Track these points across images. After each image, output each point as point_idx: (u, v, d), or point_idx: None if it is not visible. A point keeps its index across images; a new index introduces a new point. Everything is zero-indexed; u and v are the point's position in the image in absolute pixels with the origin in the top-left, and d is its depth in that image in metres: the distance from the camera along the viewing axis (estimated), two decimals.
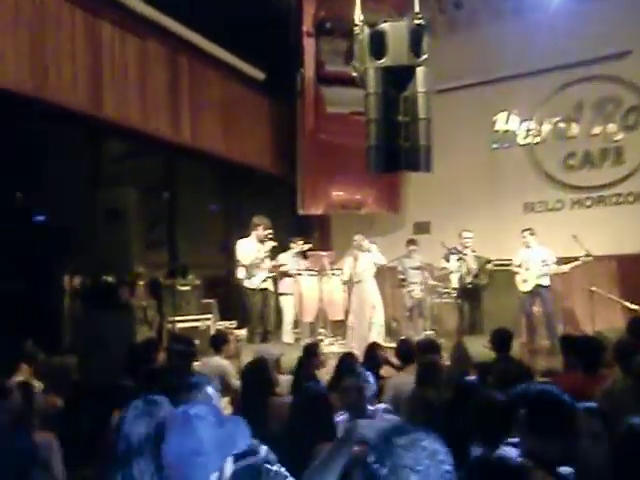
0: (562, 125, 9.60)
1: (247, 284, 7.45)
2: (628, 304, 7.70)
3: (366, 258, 8.31)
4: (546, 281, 7.96)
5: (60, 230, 7.70)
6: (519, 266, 8.13)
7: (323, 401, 2.95)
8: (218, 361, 5.40)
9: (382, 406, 3.60)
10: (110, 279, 6.56)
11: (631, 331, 5.07)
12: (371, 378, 3.36)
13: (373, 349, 5.32)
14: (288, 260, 8.46)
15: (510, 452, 2.37)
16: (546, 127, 9.71)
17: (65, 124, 7.44)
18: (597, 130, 9.34)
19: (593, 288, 8.01)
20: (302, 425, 2.86)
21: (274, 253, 8.03)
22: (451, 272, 8.29)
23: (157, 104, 8.08)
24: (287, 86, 10.06)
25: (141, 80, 7.81)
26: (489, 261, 8.06)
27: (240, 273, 7.49)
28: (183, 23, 8.34)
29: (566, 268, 7.85)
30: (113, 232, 5.94)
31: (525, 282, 8.04)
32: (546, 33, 8.89)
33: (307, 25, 9.63)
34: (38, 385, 3.89)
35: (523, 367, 4.51)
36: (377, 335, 7.89)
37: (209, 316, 7.73)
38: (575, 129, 9.50)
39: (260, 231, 7.58)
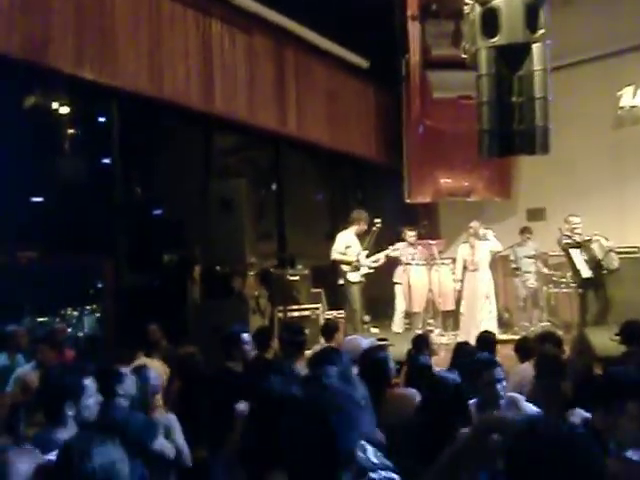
0: None
1: (348, 277, 7.44)
2: None
3: (483, 246, 8.05)
4: None
5: (175, 222, 8.09)
6: None
7: (457, 392, 2.84)
8: None
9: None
10: (223, 269, 6.79)
11: None
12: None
13: (487, 338, 5.14)
14: (403, 248, 8.39)
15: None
16: None
17: (178, 120, 7.81)
18: None
19: None
20: (436, 417, 2.76)
21: (379, 243, 7.96)
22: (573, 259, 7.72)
23: (264, 97, 8.27)
24: (392, 73, 9.92)
25: (249, 74, 8.03)
26: (607, 240, 7.46)
27: (345, 267, 7.46)
28: (287, 15, 8.44)
29: None
30: (225, 223, 6.12)
31: None
32: None
33: (412, 9, 9.39)
34: (162, 368, 4.10)
35: None
36: (489, 326, 7.61)
37: (318, 305, 7.82)
38: None
39: (361, 226, 7.52)
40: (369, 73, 10.12)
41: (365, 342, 4.66)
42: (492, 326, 7.69)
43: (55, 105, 6.75)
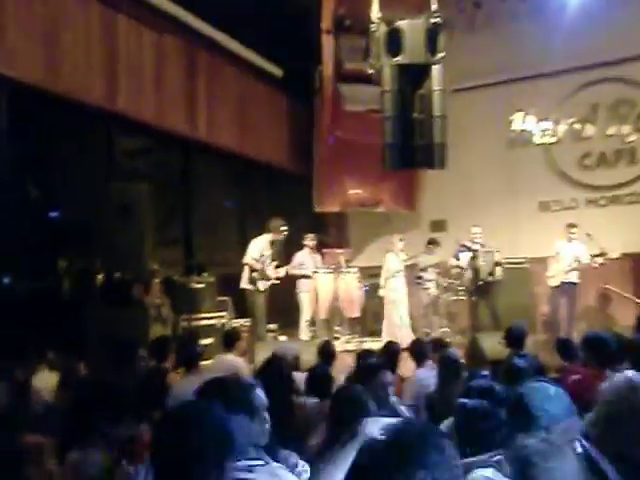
0: (578, 126, 9.73)
1: (259, 285, 7.39)
2: None
3: (396, 259, 8.41)
4: (573, 278, 7.89)
5: (74, 226, 7.69)
6: (552, 257, 8.09)
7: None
8: (231, 358, 5.40)
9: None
10: (122, 276, 6.55)
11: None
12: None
13: (391, 347, 5.31)
14: (304, 258, 8.44)
15: None
16: (562, 127, 9.82)
17: (78, 117, 7.37)
18: (612, 131, 9.54)
19: (607, 286, 8.27)
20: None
21: (288, 250, 7.99)
22: (464, 269, 8.22)
23: (173, 99, 8.03)
24: (305, 83, 10.01)
25: (157, 75, 7.75)
26: (497, 252, 7.96)
27: (245, 274, 7.40)
28: (201, 18, 8.30)
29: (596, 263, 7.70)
30: (127, 228, 5.92)
31: (552, 277, 8.00)
32: (563, 34, 8.87)
33: (326, 22, 9.51)
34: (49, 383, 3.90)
35: (535, 364, 4.49)
36: (406, 332, 8.07)
37: (224, 314, 7.71)
38: (590, 130, 9.68)
39: (277, 234, 7.52)
40: (283, 82, 10.15)
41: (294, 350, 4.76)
42: (409, 332, 8.12)
43: None
